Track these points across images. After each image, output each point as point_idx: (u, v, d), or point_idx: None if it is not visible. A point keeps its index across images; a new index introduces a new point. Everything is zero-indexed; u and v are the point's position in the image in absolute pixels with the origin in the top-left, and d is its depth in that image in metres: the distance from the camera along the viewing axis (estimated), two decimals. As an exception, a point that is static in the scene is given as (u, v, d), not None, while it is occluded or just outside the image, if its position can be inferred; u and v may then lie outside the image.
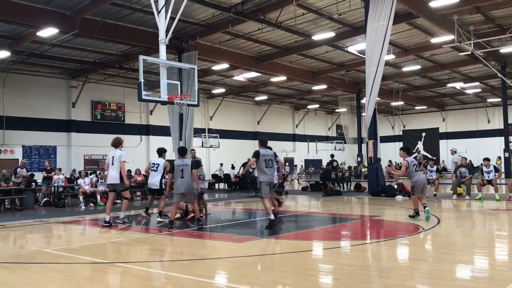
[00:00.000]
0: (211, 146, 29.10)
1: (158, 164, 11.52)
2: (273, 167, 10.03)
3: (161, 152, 11.75)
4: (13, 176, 15.99)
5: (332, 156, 22.03)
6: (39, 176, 18.54)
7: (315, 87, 29.90)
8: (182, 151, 10.78)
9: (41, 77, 24.37)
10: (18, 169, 16.47)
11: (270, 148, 10.43)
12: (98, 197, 16.74)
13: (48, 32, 16.92)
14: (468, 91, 32.63)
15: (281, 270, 5.89)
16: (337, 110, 38.08)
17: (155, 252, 7.79)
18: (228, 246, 7.98)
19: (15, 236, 9.97)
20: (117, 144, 10.70)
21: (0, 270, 6.35)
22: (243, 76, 26.84)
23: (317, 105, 38.34)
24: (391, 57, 21.64)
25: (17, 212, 14.42)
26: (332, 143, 34.86)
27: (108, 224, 10.35)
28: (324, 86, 29.04)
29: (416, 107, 38.81)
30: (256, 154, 9.86)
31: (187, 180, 10.00)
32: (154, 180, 11.57)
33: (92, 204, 16.42)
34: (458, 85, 30.40)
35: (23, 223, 11.62)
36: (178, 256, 7.45)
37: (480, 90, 32.27)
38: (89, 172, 20.11)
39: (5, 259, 7.13)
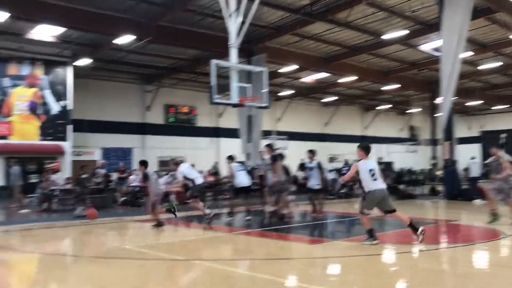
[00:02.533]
0: (279, 148, 29.15)
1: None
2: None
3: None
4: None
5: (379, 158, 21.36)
6: (116, 177, 19.50)
7: (386, 87, 29.13)
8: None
9: (119, 83, 25.65)
10: (97, 170, 17.45)
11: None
12: (172, 197, 17.31)
13: (124, 39, 17.80)
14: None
15: (353, 272, 5.81)
16: (409, 111, 36.83)
17: (230, 251, 7.96)
18: (300, 247, 7.99)
19: (97, 234, 10.58)
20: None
21: (86, 265, 6.78)
22: (311, 78, 26.70)
23: (388, 106, 37.31)
24: (468, 54, 20.62)
25: (98, 210, 15.27)
26: (404, 145, 33.73)
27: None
28: (395, 86, 28.21)
29: (495, 108, 36.64)
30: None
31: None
32: (245, 180, 11.91)
33: (167, 204, 17.01)
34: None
35: (104, 221, 12.29)
36: (252, 255, 7.56)
37: None
38: (163, 173, 20.85)
39: (90, 254, 7.60)
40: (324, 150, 30.94)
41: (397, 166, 29.50)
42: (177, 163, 11.65)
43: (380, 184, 7.61)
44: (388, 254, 7.45)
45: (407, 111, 38.08)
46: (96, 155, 24.77)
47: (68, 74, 21.82)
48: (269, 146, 11.86)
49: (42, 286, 5.64)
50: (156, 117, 27.48)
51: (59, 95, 21.65)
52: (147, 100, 27.05)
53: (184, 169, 11.03)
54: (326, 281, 5.54)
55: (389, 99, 34.91)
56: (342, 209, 15.23)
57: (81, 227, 11.19)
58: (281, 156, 12.00)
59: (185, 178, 10.88)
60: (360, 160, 7.69)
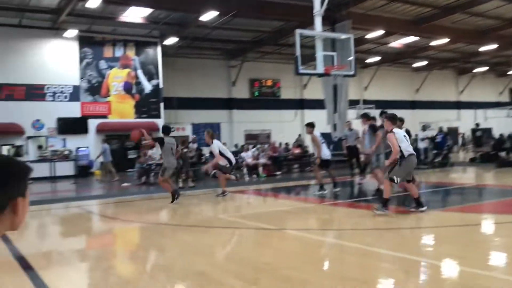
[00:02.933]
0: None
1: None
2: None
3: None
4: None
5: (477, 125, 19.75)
6: (206, 151, 20.18)
7: (483, 48, 27.02)
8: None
9: (204, 60, 26.32)
10: (190, 144, 18.18)
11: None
12: (260, 169, 17.66)
13: (209, 16, 18.14)
14: None
15: (449, 242, 5.57)
16: (509, 72, 33.96)
17: (319, 221, 7.98)
18: (391, 217, 7.79)
19: (193, 204, 11.09)
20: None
21: (183, 233, 7.16)
22: (399, 42, 25.48)
23: (485, 68, 34.67)
24: None
25: (192, 182, 15.97)
26: (504, 109, 31.33)
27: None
28: (493, 46, 26.08)
29: None
30: None
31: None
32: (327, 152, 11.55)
33: (255, 176, 17.40)
34: None
35: (199, 192, 12.86)
36: (341, 225, 7.53)
37: None
38: (250, 146, 21.25)
39: (187, 223, 8.01)
40: (415, 117, 29.64)
41: (496, 132, 27.55)
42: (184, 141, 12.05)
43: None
44: (486, 224, 7.04)
45: (507, 73, 35.15)
46: (187, 131, 25.82)
47: (158, 53, 22.78)
48: (365, 115, 11.28)
49: (145, 252, 6.05)
50: (241, 91, 27.92)
51: (150, 75, 22.71)
52: (232, 75, 27.53)
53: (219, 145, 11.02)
54: (419, 251, 5.37)
55: (486, 60, 32.38)
56: (436, 178, 14.59)
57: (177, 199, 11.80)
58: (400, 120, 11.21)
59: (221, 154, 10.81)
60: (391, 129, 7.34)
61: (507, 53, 29.28)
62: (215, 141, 11.05)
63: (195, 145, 18.11)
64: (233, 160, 11.06)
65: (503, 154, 19.70)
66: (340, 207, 9.41)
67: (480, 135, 25.20)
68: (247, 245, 5.98)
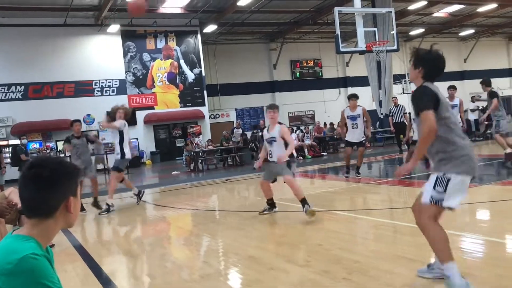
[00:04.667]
0: (412, 92, 27.67)
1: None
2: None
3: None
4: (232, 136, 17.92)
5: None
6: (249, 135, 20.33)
7: (535, 10, 25.57)
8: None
9: (244, 44, 26.34)
10: (235, 130, 18.39)
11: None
12: (306, 150, 17.64)
13: (246, 0, 18.10)
14: None
15: (506, 217, 5.41)
16: None
17: (369, 201, 7.92)
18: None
19: (240, 189, 11.27)
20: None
21: (232, 218, 7.30)
22: (443, 12, 24.50)
23: (539, 31, 32.83)
24: None
25: (238, 168, 16.21)
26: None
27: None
28: (547, 7, 24.62)
29: None
30: None
31: None
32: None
33: (300, 157, 17.39)
34: None
35: (245, 177, 13.02)
36: (392, 204, 7.45)
37: None
38: (294, 128, 21.22)
39: (236, 208, 8.15)
40: (464, 88, 28.57)
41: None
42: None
43: None
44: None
45: None
46: (231, 116, 26.06)
47: (198, 42, 23.01)
48: (485, 81, 10.30)
49: (197, 237, 6.23)
50: (283, 73, 27.79)
51: (193, 63, 23.01)
52: (272, 58, 27.43)
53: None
54: (475, 227, 5.25)
55: (541, 23, 30.63)
56: (488, 151, 14.10)
57: (225, 184, 12.01)
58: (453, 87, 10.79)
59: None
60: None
61: None
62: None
63: (239, 131, 18.27)
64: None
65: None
66: (389, 185, 9.29)
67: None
68: (297, 228, 6.03)
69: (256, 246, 5.24)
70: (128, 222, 8.09)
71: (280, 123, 6.76)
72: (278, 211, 7.08)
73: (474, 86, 28.74)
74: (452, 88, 10.72)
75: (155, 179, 16.09)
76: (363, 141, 10.11)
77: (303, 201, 6.23)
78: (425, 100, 3.11)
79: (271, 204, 6.98)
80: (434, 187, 3.08)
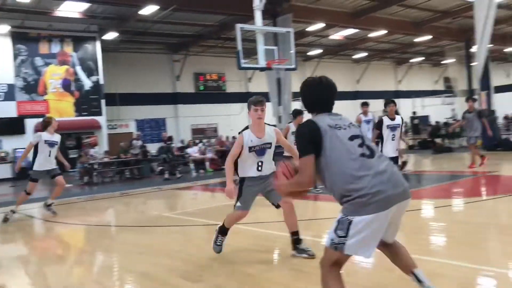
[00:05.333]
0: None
1: None
2: None
3: None
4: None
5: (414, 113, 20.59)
6: (150, 147, 19.91)
7: (418, 39, 28.16)
8: None
9: (147, 54, 25.80)
10: (134, 141, 17.84)
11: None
12: (207, 163, 17.61)
13: (149, 10, 17.78)
14: None
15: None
16: (444, 62, 35.60)
17: (269, 214, 8.07)
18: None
19: (137, 203, 10.90)
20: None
21: (127, 233, 7.03)
22: (339, 35, 26.08)
23: (422, 58, 36.18)
24: (504, -3, 19.59)
25: (136, 181, 15.71)
26: (440, 97, 32.86)
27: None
28: (428, 37, 27.22)
29: (535, 51, 34.96)
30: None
31: None
32: None
33: (202, 171, 17.32)
34: None
35: (143, 190, 12.65)
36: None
37: None
38: (196, 141, 21.15)
39: (131, 223, 7.86)
40: (356, 108, 30.50)
41: (433, 120, 28.86)
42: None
43: None
44: (427, 209, 7.39)
45: (441, 63, 36.88)
46: (131, 127, 25.27)
47: (97, 49, 22.08)
48: (473, 99, 11.80)
49: (89, 255, 5.90)
50: (186, 86, 27.62)
51: (90, 71, 22.00)
52: (176, 69, 27.17)
53: None
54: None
55: (422, 51, 33.83)
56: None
57: (121, 198, 11.56)
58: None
59: None
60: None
61: (440, 44, 30.67)
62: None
63: (139, 142, 17.75)
64: None
65: (439, 140, 20.70)
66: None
67: (418, 123, 26.28)
68: (193, 242, 5.96)
69: (150, 262, 5.07)
70: (12, 239, 7.44)
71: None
72: (176, 226, 6.95)
73: (365, 105, 30.86)
74: (365, 104, 11.41)
75: (45, 192, 15.02)
76: None
77: (297, 234, 4.76)
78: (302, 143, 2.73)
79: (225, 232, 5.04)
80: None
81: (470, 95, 13.87)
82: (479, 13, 15.24)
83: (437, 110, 30.26)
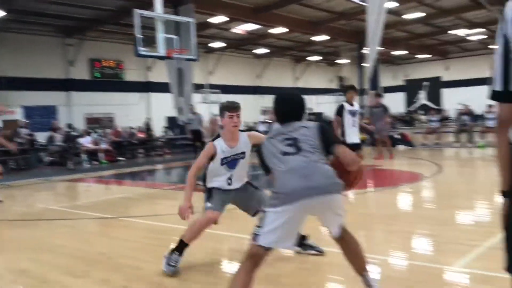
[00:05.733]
0: (212, 102, 28.97)
1: None
2: None
3: None
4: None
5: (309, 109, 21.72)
6: (40, 136, 18.62)
7: (316, 38, 29.35)
8: None
9: (38, 36, 23.90)
10: (20, 130, 16.51)
11: None
12: (101, 155, 16.85)
13: (40, -12, 16.53)
14: (471, 38, 32.01)
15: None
16: (338, 62, 37.52)
17: (162, 206, 7.90)
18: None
19: (22, 195, 10.10)
20: None
21: (7, 228, 6.48)
22: (241, 29, 26.31)
23: (318, 57, 37.81)
24: (393, 4, 21.11)
25: (22, 172, 14.56)
26: (334, 95, 34.67)
27: None
28: (325, 37, 28.48)
29: (418, 56, 38.17)
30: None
31: None
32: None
33: (95, 162, 16.55)
34: (462, 31, 29.79)
35: (29, 182, 11.76)
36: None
37: (484, 36, 31.65)
38: (90, 130, 20.16)
39: (14, 217, 7.25)
40: (257, 102, 31.11)
41: (327, 117, 30.31)
42: None
43: None
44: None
45: (336, 62, 38.85)
46: (18, 114, 23.34)
47: (-21, 27, 20.06)
48: (379, 94, 11.63)
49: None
50: (81, 72, 26.08)
51: (-30, 50, 19.92)
52: (70, 54, 25.54)
53: None
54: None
55: (319, 50, 35.34)
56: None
57: (4, 190, 10.63)
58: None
59: None
60: None
61: (336, 44, 32.27)
62: None
63: (26, 131, 16.47)
64: None
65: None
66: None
67: (313, 120, 27.39)
68: (81, 236, 5.64)
69: (29, 258, 4.70)
70: None
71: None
72: (62, 219, 6.53)
73: (266, 101, 31.60)
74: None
75: None
76: None
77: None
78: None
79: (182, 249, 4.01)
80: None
81: (376, 92, 14.86)
82: (370, 17, 16.26)
83: (331, 108, 31.86)
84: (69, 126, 20.78)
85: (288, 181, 2.72)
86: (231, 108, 3.95)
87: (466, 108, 16.62)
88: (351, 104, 8.07)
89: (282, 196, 2.70)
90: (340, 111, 8.03)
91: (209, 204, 4.03)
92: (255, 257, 2.78)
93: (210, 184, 4.14)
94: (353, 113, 8.00)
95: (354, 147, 7.48)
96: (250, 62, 35.09)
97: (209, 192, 4.11)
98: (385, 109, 12.77)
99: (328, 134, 2.98)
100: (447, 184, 8.65)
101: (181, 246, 3.94)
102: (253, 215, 4.08)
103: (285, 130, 2.95)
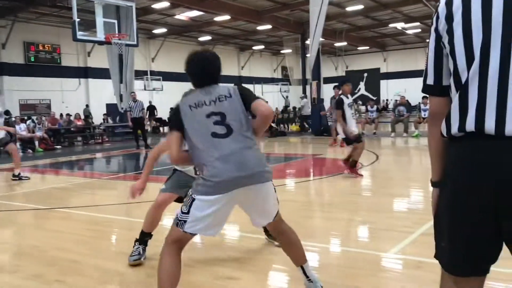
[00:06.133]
0: (154, 89, 28.38)
1: None
2: None
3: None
4: None
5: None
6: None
7: (260, 27, 29.40)
8: None
9: (-36, 16, 22.40)
10: None
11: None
12: (36, 143, 16.11)
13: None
14: (408, 32, 33.29)
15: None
16: (282, 51, 37.83)
17: (98, 197, 7.68)
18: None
19: None
20: None
21: None
22: (185, 15, 25.86)
23: (263, 46, 37.93)
24: (335, -4, 21.50)
25: None
26: (278, 84, 34.98)
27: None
28: (269, 26, 28.58)
29: (358, 48, 39.22)
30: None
31: None
32: None
33: (30, 151, 15.79)
34: (399, 25, 30.89)
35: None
36: (123, 199, 7.37)
37: (420, 30, 32.98)
38: (25, 117, 19.20)
39: None
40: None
41: (272, 106, 30.52)
42: None
43: None
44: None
45: (280, 52, 39.17)
46: None
47: None
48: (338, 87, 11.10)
49: None
50: (14, 56, 24.69)
51: None
52: (1, 36, 24.11)
53: None
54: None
55: (263, 39, 35.45)
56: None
57: None
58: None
59: None
60: None
61: (279, 34, 32.50)
62: None
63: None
64: None
65: (274, 125, 21.99)
66: (126, 181, 9.22)
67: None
68: (11, 228, 5.37)
69: (-45, 253, 4.42)
70: None
71: None
72: (-8, 211, 6.18)
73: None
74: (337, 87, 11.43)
75: None
76: None
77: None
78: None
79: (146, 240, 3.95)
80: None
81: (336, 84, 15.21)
82: (313, 8, 16.46)
83: (275, 97, 32.21)
84: (6, 112, 19.62)
85: (222, 169, 2.55)
86: None
87: (403, 99, 17.28)
88: (347, 97, 8.24)
89: (215, 185, 2.53)
90: (340, 104, 8.14)
91: (163, 186, 3.94)
92: (179, 242, 2.67)
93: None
94: (350, 106, 8.20)
95: (359, 138, 8.04)
96: (193, 49, 34.62)
97: (171, 173, 4.02)
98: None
99: (246, 94, 2.83)
100: (384, 173, 8.98)
101: (141, 236, 3.89)
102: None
103: (206, 98, 2.76)
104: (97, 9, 10.90)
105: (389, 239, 4.35)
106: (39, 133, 16.49)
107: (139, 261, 3.75)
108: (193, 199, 2.58)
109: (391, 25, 31.02)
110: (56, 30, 25.56)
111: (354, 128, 8.21)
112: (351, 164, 8.07)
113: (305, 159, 11.89)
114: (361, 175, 8.10)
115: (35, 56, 25.53)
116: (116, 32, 11.26)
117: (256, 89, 32.51)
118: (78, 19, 10.65)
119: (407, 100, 17.62)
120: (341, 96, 8.30)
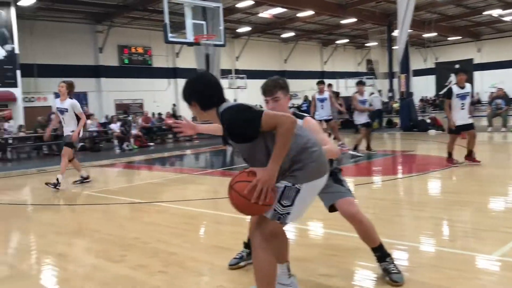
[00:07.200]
0: (238, 87, 28.95)
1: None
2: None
3: None
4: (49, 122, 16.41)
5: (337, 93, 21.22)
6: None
7: (344, 21, 28.88)
8: None
9: (67, 23, 24.32)
10: (52, 116, 16.88)
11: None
12: (132, 140, 17.13)
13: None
14: (506, 18, 30.93)
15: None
16: (367, 45, 36.90)
17: (193, 191, 8.01)
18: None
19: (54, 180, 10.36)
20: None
21: (44, 212, 6.68)
22: (268, 13, 26.10)
23: (346, 40, 37.24)
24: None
25: (55, 157, 14.93)
26: (362, 78, 34.10)
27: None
28: (353, 20, 28.00)
29: (449, 38, 37.19)
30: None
31: None
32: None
33: (126, 147, 16.82)
34: (496, 12, 28.79)
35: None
36: (212, 194, 7.64)
37: (519, 16, 30.52)
38: (120, 116, 20.48)
39: (50, 201, 7.47)
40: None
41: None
42: None
43: None
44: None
45: (365, 45, 38.20)
46: (50, 101, 23.87)
47: (12, 15, 20.46)
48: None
49: (2, 235, 5.53)
50: (109, 59, 26.46)
51: (4, 39, 20.38)
52: (99, 41, 25.89)
53: None
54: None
55: (347, 33, 34.79)
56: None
57: (38, 175, 10.95)
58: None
59: None
60: None
61: (364, 27, 31.69)
62: None
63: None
64: None
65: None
66: (213, 176, 9.53)
67: (340, 103, 27.07)
68: (114, 221, 5.77)
69: (67, 242, 4.86)
70: None
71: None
72: (96, 204, 6.68)
73: (292, 84, 31.37)
74: (361, 83, 12.58)
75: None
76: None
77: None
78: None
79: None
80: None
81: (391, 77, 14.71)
82: (401, -1, 15.88)
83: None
84: (106, 116, 21.10)
85: (322, 154, 2.68)
86: (264, 92, 3.33)
87: (500, 90, 16.14)
88: (461, 87, 8.26)
89: (319, 167, 2.63)
90: (449, 94, 8.26)
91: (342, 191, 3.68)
92: (278, 235, 2.69)
93: None
94: (462, 97, 8.23)
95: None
96: (277, 46, 34.83)
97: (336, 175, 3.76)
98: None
99: None
100: (481, 170, 8.45)
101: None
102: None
103: None
104: (186, 11, 11.33)
105: (491, 240, 4.11)
106: (133, 131, 17.52)
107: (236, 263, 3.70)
108: (298, 190, 2.56)
109: (485, 13, 29.01)
110: (147, 33, 26.96)
111: (459, 119, 8.12)
112: (468, 154, 8.41)
113: (393, 156, 11.52)
114: (479, 161, 8.43)
115: (129, 58, 27.14)
116: (204, 32, 11.63)
117: (340, 83, 31.98)
118: (169, 22, 11.10)
119: (505, 92, 16.43)
120: (452, 86, 8.34)
